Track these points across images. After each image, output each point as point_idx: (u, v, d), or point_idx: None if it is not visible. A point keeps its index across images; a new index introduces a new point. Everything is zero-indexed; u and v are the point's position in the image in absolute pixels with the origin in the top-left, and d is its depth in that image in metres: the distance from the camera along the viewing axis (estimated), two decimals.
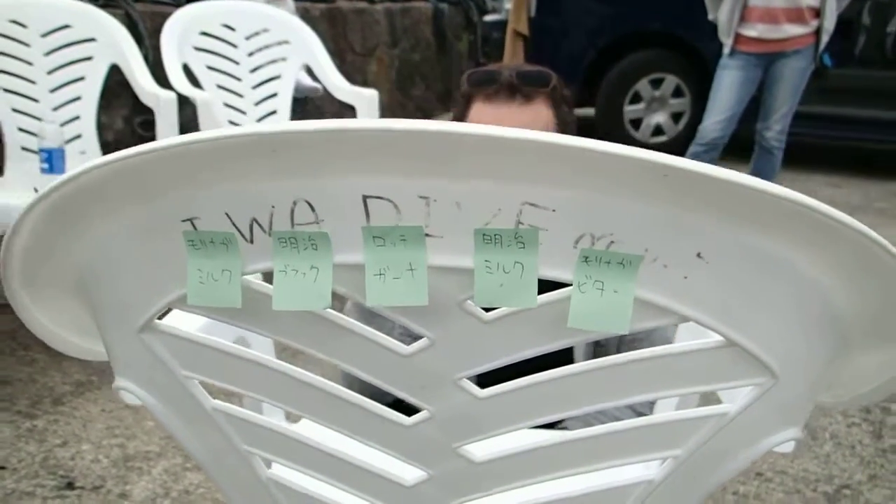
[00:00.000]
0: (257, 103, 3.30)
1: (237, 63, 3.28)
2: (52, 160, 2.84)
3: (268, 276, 0.62)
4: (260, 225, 0.56)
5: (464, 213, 0.53)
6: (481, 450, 0.68)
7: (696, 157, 4.35)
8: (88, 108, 3.20)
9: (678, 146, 5.71)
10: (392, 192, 0.53)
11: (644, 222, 0.54)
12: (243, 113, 3.26)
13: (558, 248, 0.55)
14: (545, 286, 0.59)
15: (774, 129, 4.29)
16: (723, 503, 2.27)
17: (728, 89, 4.21)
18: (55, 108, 3.12)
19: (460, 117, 1.40)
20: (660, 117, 5.89)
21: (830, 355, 0.63)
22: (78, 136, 3.16)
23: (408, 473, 0.71)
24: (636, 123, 5.90)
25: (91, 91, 3.19)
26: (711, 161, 4.38)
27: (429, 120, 0.49)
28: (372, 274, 0.55)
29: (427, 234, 0.54)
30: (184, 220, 0.56)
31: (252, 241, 0.57)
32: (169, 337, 0.66)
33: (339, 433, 0.69)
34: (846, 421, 2.75)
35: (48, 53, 3.11)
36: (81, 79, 3.18)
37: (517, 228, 0.53)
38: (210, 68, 3.24)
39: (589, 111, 6.19)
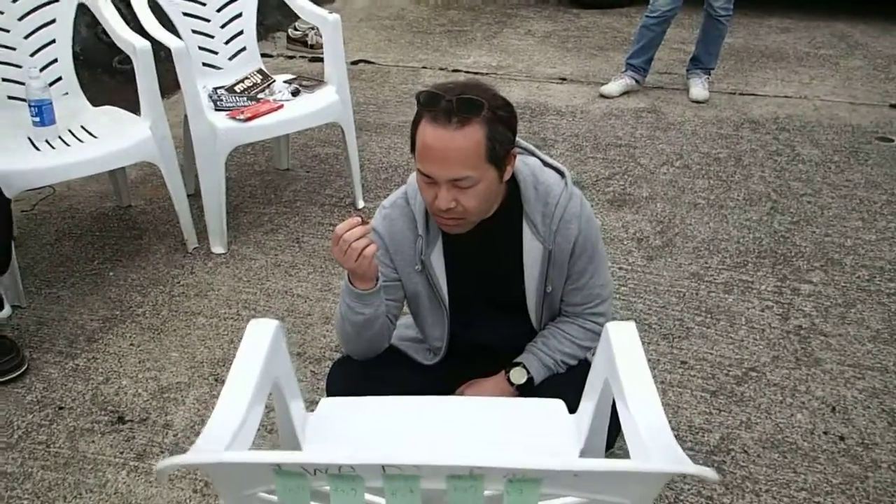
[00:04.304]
0: (227, 42, 3.45)
1: (204, 4, 3.39)
2: (42, 113, 3.05)
3: None
4: (322, 471, 0.96)
5: (440, 471, 0.94)
6: None
7: (647, 28, 4.56)
8: (64, 49, 3.31)
9: None
10: (399, 465, 0.93)
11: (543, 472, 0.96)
12: (215, 53, 3.43)
13: (495, 480, 0.98)
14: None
15: (721, 0, 4.47)
16: None
17: None
18: (32, 54, 3.23)
19: (415, 124, 1.71)
20: None
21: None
22: (59, 79, 3.30)
23: None
24: None
25: (63, 33, 3.30)
26: (662, 32, 4.59)
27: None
28: (389, 493, 0.96)
29: (419, 476, 0.95)
30: (273, 467, 0.96)
31: (315, 476, 0.97)
32: (265, 498, 1.09)
33: None
34: (760, 304, 3.04)
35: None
36: (53, 21, 3.28)
37: (470, 473, 0.94)
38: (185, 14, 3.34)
39: None
